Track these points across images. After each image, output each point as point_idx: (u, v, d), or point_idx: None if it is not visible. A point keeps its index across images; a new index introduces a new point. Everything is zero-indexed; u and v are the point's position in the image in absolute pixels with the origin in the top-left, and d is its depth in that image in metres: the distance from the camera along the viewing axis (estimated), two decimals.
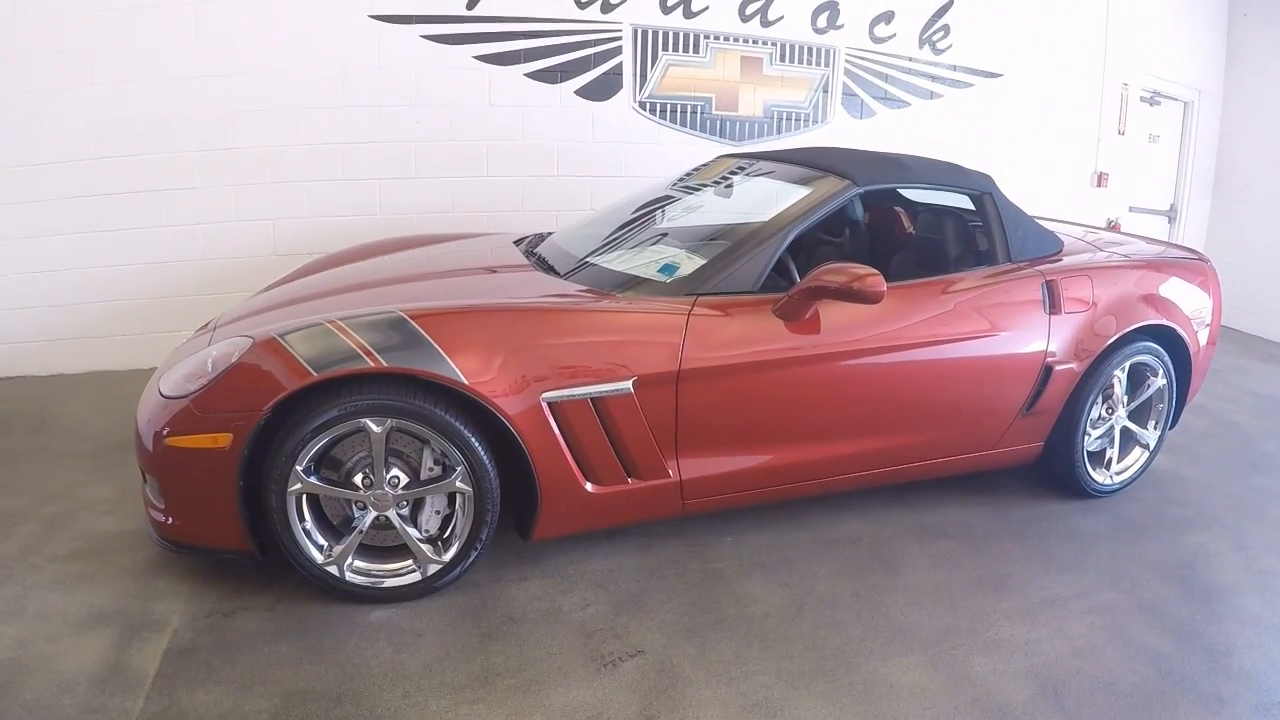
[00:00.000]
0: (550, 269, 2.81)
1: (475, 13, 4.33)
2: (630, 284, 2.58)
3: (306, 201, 4.26)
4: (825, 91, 5.07)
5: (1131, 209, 6.12)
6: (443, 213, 4.47)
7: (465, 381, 2.13)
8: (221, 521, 2.15)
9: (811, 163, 2.93)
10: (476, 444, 2.19)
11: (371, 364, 2.07)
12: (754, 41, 4.85)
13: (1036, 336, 2.85)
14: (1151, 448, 3.25)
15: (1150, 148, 6.20)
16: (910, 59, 5.24)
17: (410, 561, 2.28)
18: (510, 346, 2.22)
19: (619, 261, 2.75)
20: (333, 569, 2.21)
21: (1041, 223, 3.57)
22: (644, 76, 4.68)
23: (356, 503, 2.22)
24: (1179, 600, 2.50)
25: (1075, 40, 5.67)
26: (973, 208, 3.07)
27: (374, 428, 2.12)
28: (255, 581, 2.33)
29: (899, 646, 2.19)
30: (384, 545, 2.30)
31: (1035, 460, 3.07)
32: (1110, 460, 3.15)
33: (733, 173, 3.24)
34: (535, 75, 4.50)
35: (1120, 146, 5.92)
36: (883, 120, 5.24)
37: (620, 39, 4.59)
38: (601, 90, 4.63)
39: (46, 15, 3.76)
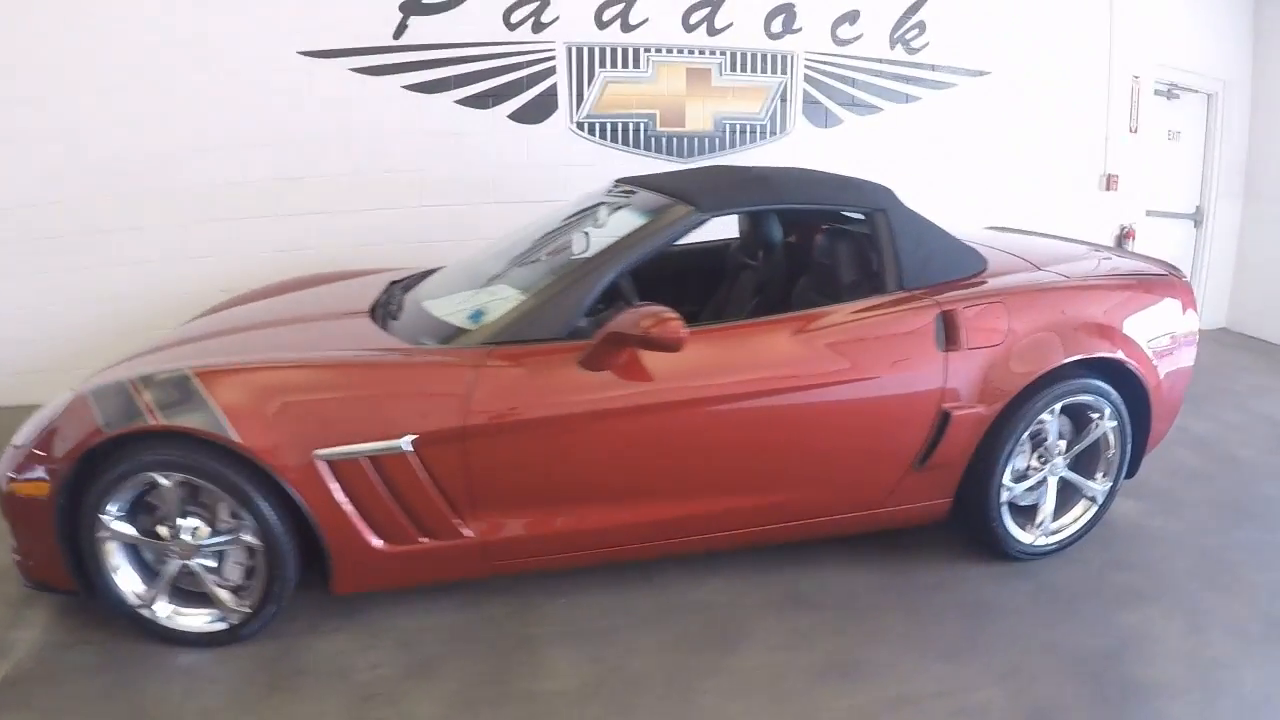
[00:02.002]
0: (390, 315, 2.56)
1: (402, 42, 4.11)
2: (446, 333, 2.32)
3: (247, 238, 4.13)
4: (784, 100, 4.63)
5: (1149, 213, 5.42)
6: (376, 245, 4.25)
7: (238, 440, 2.03)
8: (51, 563, 2.15)
9: (667, 188, 2.57)
10: (259, 500, 2.07)
11: (151, 421, 2.04)
12: (701, 51, 4.47)
13: (927, 377, 2.40)
14: (1100, 501, 2.73)
15: (1169, 145, 5.49)
16: (880, 60, 4.75)
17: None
18: (284, 403, 2.09)
19: (446, 307, 2.46)
20: (145, 611, 2.17)
21: (1014, 236, 3.22)
22: (580, 96, 4.36)
23: (165, 550, 2.14)
24: (1085, 702, 2.03)
25: (1074, 31, 5.04)
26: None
27: (163, 481, 2.08)
28: (101, 617, 2.26)
29: None
30: (199, 590, 2.20)
31: (945, 516, 2.60)
32: (1044, 517, 2.64)
33: (608, 202, 2.88)
34: (466, 101, 4.24)
35: (1133, 145, 5.25)
36: (851, 128, 4.77)
37: (554, 58, 4.29)
38: (536, 113, 4.33)
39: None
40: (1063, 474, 2.65)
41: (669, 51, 4.42)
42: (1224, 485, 3.28)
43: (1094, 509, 2.72)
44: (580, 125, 4.40)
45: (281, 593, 2.17)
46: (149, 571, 2.19)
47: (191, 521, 2.13)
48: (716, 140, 4.60)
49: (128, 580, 2.16)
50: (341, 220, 4.22)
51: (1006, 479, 2.53)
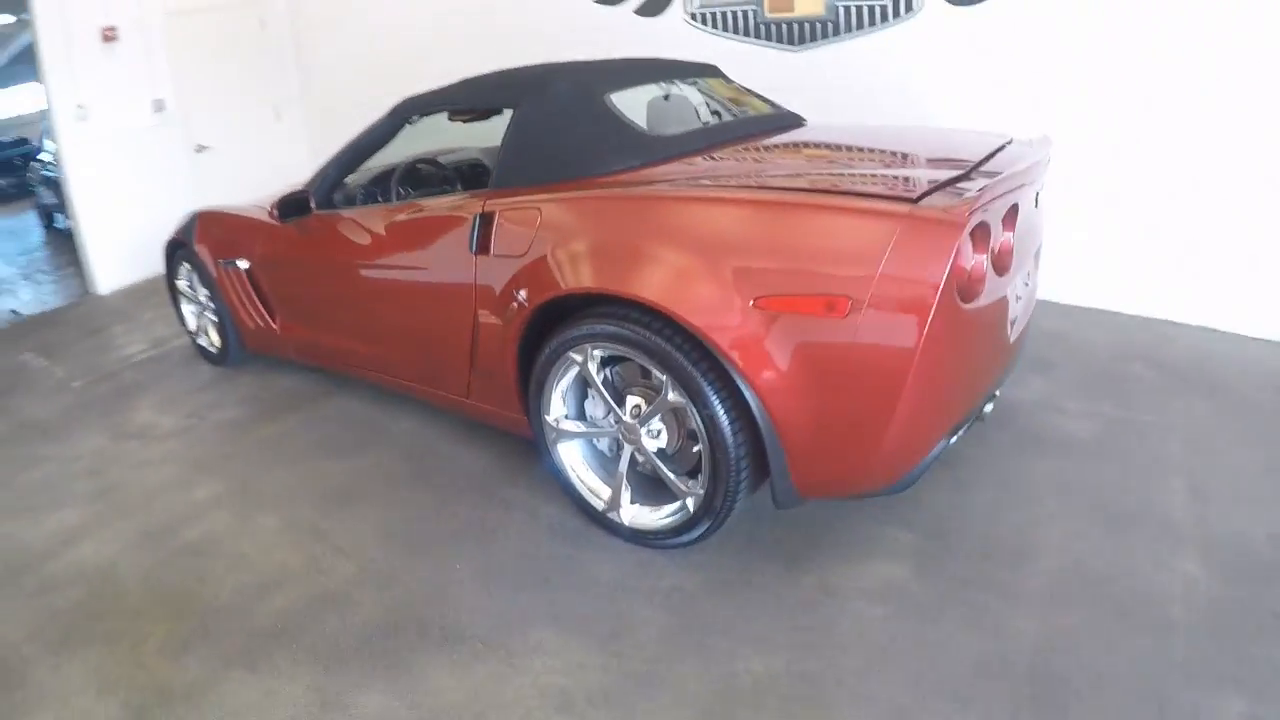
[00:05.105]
0: None
1: None
2: None
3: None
4: None
5: None
6: None
7: (195, 249, 3.95)
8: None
9: None
10: (213, 286, 3.91)
11: (173, 236, 4.18)
12: None
13: (461, 277, 2.64)
14: (692, 507, 2.27)
15: None
16: None
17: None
18: (214, 232, 3.93)
19: None
20: (198, 338, 4.32)
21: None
22: None
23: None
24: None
25: None
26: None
27: (186, 268, 4.17)
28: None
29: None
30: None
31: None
32: (614, 490, 2.44)
33: None
34: (600, 0, 5.00)
35: None
36: (1000, 3, 3.85)
37: None
38: (655, 6, 4.83)
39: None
40: (644, 444, 2.32)
41: None
42: (1144, 647, 1.98)
43: (679, 514, 2.32)
44: (693, 16, 4.73)
45: (229, 335, 3.97)
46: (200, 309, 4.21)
47: (203, 290, 4.03)
48: (830, 25, 4.34)
49: (190, 314, 4.29)
50: None
51: (554, 413, 2.50)
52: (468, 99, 3.03)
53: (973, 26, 3.97)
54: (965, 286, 1.94)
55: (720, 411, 2.09)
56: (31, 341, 4.93)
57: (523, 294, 2.44)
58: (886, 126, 3.11)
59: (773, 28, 4.51)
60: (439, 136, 3.48)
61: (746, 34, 4.60)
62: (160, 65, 5.57)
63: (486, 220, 2.59)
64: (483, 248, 2.59)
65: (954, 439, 2.21)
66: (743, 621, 2.13)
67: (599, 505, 2.52)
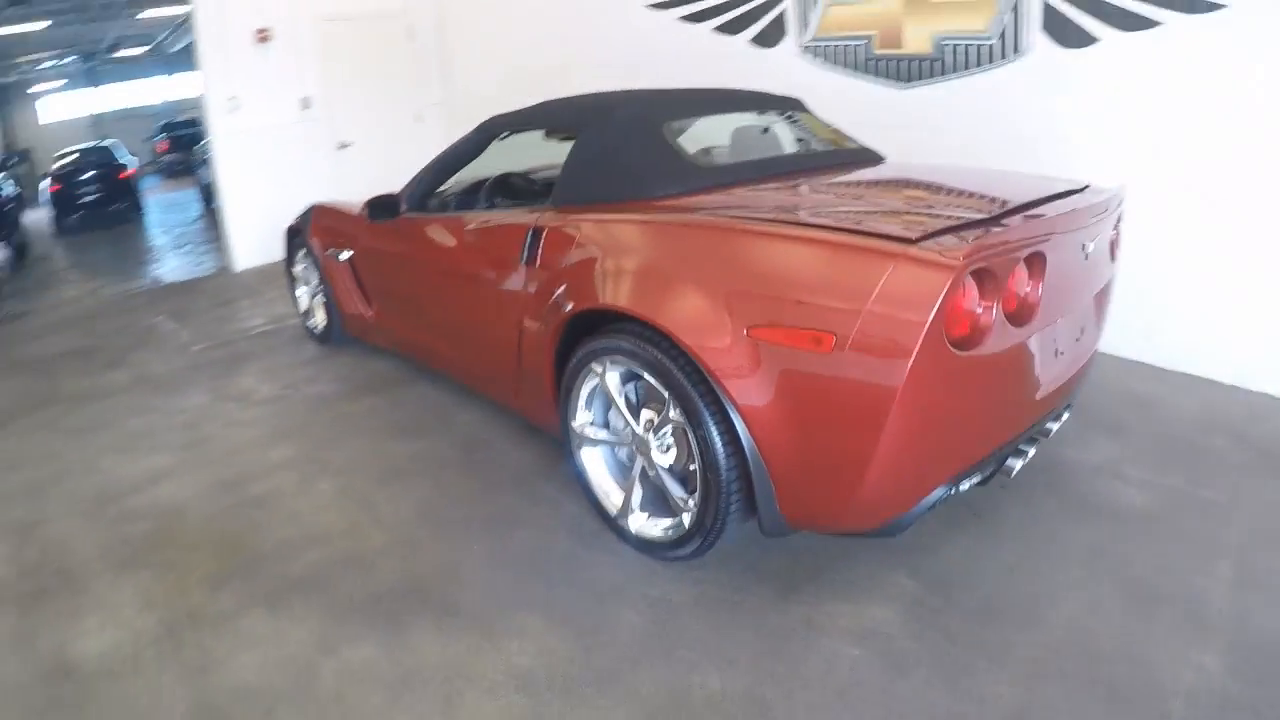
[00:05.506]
0: None
1: None
2: None
3: None
4: (1015, 13, 3.98)
5: None
6: None
7: (308, 238, 4.39)
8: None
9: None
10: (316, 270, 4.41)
11: (292, 224, 4.61)
12: None
13: (514, 285, 2.88)
14: (687, 522, 2.37)
15: None
16: None
17: None
18: (323, 225, 4.33)
19: None
20: (305, 321, 4.74)
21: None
22: (805, 20, 4.75)
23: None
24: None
25: None
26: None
27: (302, 253, 4.58)
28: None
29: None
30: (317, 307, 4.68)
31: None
32: (628, 499, 2.56)
33: None
34: (720, 29, 5.26)
35: None
36: (1110, 48, 3.74)
37: None
38: (770, 37, 5.00)
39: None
40: (653, 458, 2.44)
41: None
42: None
43: (675, 528, 2.43)
44: (805, 49, 4.85)
45: (333, 318, 4.41)
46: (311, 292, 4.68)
47: (314, 276, 4.49)
48: (937, 64, 4.34)
49: (303, 296, 4.72)
50: None
51: (579, 419, 2.67)
52: (545, 120, 3.28)
53: (1082, 71, 3.88)
54: (965, 334, 1.97)
55: (715, 433, 2.18)
56: (167, 305, 5.59)
57: (559, 305, 2.64)
58: (957, 167, 3.11)
59: (881, 64, 4.55)
60: (549, 150, 3.73)
61: (856, 69, 4.65)
62: (309, 65, 6.18)
63: (538, 234, 2.83)
64: (533, 260, 2.83)
65: (961, 488, 2.21)
66: (716, 640, 2.19)
67: (612, 511, 2.66)
